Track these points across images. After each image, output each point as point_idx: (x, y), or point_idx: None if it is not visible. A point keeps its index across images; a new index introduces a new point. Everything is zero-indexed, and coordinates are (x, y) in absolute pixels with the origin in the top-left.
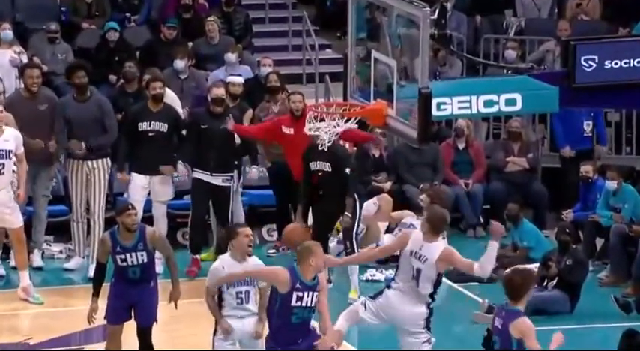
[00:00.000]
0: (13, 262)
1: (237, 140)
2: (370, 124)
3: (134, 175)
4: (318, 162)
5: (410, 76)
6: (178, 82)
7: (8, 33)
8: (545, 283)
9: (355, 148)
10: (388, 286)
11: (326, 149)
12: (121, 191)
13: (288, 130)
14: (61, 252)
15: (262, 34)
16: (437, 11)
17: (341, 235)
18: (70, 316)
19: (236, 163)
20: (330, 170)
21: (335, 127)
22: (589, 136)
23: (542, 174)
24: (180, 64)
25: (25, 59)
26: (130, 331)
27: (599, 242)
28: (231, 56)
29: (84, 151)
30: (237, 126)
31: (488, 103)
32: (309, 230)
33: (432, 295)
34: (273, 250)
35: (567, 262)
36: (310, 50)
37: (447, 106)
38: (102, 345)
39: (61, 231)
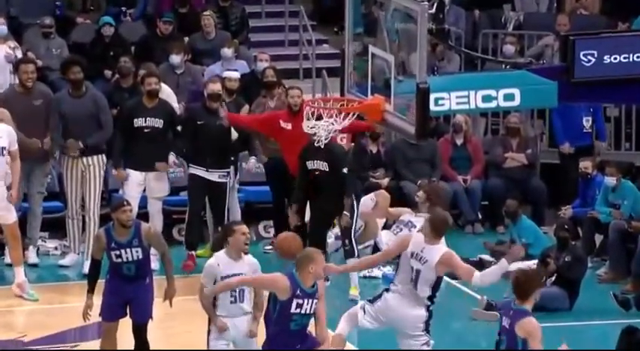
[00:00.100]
0: (7, 259)
1: (234, 136)
2: (367, 119)
3: (129, 171)
4: (315, 161)
5: (407, 71)
6: (174, 77)
7: (2, 28)
8: (543, 280)
9: (352, 144)
10: (387, 290)
11: (322, 146)
12: (117, 187)
13: (286, 125)
14: (56, 248)
15: (259, 28)
16: (435, 5)
17: (338, 230)
18: (65, 313)
19: (232, 159)
20: (327, 170)
21: (332, 124)
22: (589, 132)
23: (541, 170)
24: (176, 59)
25: (19, 54)
26: (125, 328)
27: (598, 239)
28: (227, 51)
29: (78, 155)
30: (230, 114)
31: (487, 99)
32: (301, 241)
33: (430, 298)
34: (270, 247)
35: (566, 259)
36: (307, 45)
37: (445, 101)
38: (97, 342)
39: (56, 227)
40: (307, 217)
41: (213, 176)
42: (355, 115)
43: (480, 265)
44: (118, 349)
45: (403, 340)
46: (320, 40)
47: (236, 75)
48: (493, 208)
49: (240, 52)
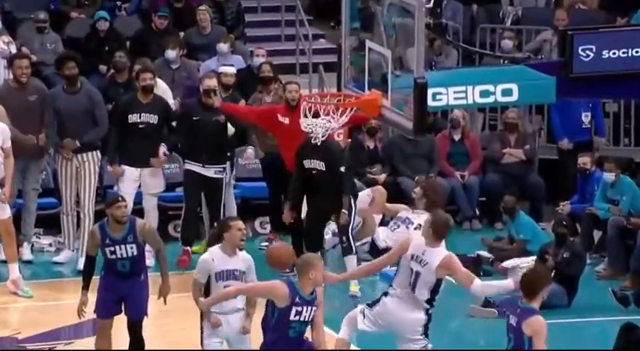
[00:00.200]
0: (2, 256)
1: (230, 132)
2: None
3: (124, 167)
4: (312, 160)
5: (405, 66)
6: (170, 72)
7: None
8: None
9: (349, 140)
10: (385, 294)
11: (319, 143)
12: (111, 184)
13: (283, 119)
14: (50, 245)
15: (255, 23)
16: (432, 0)
17: (334, 226)
18: (60, 310)
19: (228, 154)
20: (324, 169)
21: (330, 121)
22: (587, 128)
23: (539, 165)
24: (171, 54)
25: (13, 49)
26: (120, 325)
27: (596, 235)
28: (223, 46)
29: (71, 156)
30: (227, 104)
31: (485, 94)
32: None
33: (429, 302)
34: (266, 243)
35: (564, 255)
36: (304, 40)
37: (443, 96)
38: (92, 339)
39: (50, 224)
40: (303, 214)
41: (209, 172)
42: (352, 111)
43: (478, 262)
44: (113, 346)
45: (401, 343)
46: (316, 35)
47: (232, 70)
48: (491, 204)
49: (236, 47)
